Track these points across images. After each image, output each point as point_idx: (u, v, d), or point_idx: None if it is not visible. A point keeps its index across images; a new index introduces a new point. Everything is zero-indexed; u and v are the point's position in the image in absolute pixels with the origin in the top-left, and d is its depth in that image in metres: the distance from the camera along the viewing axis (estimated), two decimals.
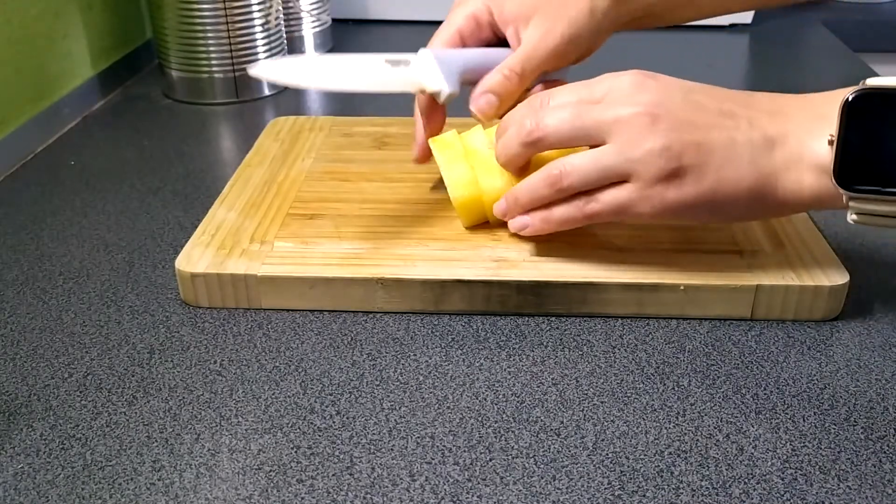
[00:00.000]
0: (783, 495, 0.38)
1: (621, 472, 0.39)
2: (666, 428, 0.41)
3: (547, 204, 0.48)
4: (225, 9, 0.80)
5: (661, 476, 0.39)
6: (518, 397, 0.43)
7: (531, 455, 0.40)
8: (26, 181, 0.68)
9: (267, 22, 0.83)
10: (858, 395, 0.44)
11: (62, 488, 0.38)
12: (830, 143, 0.42)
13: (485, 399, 0.43)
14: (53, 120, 0.77)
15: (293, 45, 0.94)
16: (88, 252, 0.57)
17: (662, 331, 0.49)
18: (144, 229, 0.60)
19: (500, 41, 0.58)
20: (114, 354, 0.47)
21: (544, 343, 0.48)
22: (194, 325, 0.49)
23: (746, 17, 1.08)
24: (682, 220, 0.46)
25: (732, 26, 1.08)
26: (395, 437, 0.41)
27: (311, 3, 0.94)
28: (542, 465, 0.39)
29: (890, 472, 0.39)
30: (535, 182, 0.48)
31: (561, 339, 0.48)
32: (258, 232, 0.54)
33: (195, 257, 0.51)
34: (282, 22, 0.86)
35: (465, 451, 0.40)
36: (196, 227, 0.55)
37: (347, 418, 0.42)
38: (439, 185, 0.60)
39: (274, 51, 0.85)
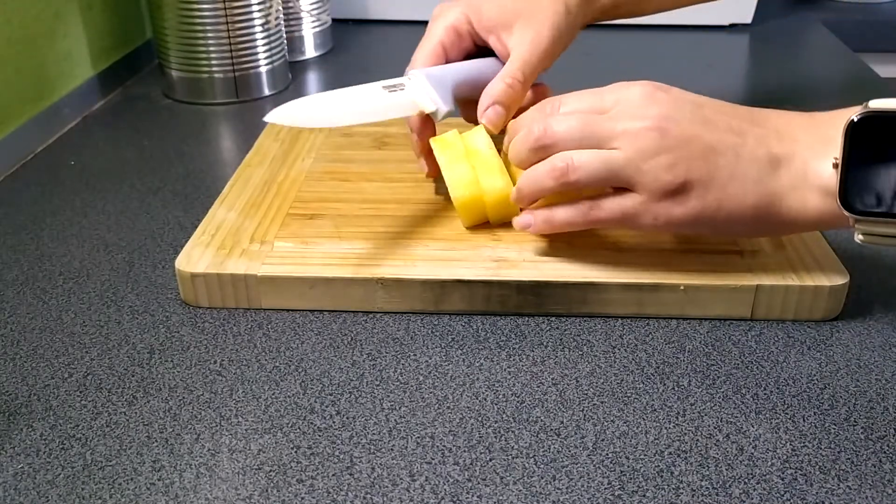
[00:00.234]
0: (783, 495, 0.38)
1: (621, 472, 0.39)
2: (666, 428, 0.41)
3: (551, 204, 0.49)
4: (225, 9, 0.80)
5: (661, 476, 0.39)
6: (518, 397, 0.43)
7: (531, 455, 0.40)
8: (26, 181, 0.68)
9: (267, 22, 0.83)
10: (858, 395, 0.44)
11: (62, 488, 0.38)
12: (835, 165, 0.42)
13: (485, 399, 0.43)
14: (53, 120, 0.77)
15: (293, 45, 0.94)
16: (88, 252, 0.57)
17: (662, 331, 0.49)
18: (144, 229, 0.60)
19: (480, 49, 0.59)
20: (114, 354, 0.47)
21: (544, 343, 0.48)
22: (194, 325, 0.49)
23: (746, 16, 1.08)
24: (684, 232, 0.47)
25: (732, 26, 1.08)
26: (395, 437, 0.41)
27: (311, 3, 0.94)
28: (542, 465, 0.39)
29: (890, 472, 0.39)
30: (540, 173, 0.47)
31: (561, 339, 0.48)
32: (258, 232, 0.54)
33: (195, 257, 0.51)
34: (282, 22, 0.86)
35: (465, 451, 0.40)
36: (196, 227, 0.55)
37: (347, 418, 0.42)
38: (439, 185, 0.60)
39: (274, 51, 0.85)
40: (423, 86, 0.54)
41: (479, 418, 0.42)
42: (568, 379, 0.45)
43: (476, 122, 0.56)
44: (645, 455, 0.40)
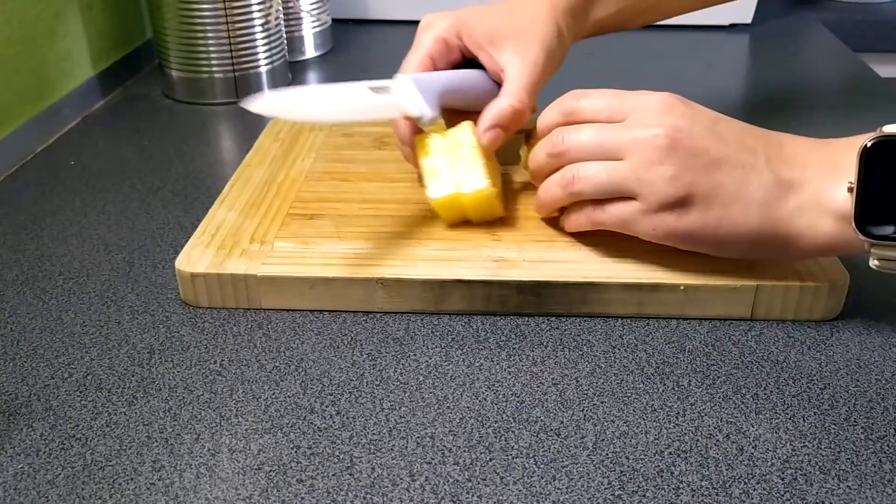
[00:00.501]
0: (783, 495, 0.38)
1: (621, 472, 0.39)
2: (666, 428, 0.41)
3: (564, 209, 0.51)
4: (225, 9, 0.80)
5: (661, 476, 0.39)
6: (518, 397, 0.43)
7: (531, 455, 0.40)
8: (26, 181, 0.68)
9: (267, 22, 0.83)
10: (858, 395, 0.44)
11: (62, 488, 0.38)
12: (850, 189, 0.42)
13: (485, 399, 0.43)
14: (53, 120, 0.77)
15: (293, 45, 0.94)
16: (88, 252, 0.57)
17: (662, 331, 0.49)
18: (144, 229, 0.60)
19: (468, 60, 0.59)
20: (114, 354, 0.47)
21: (544, 343, 0.48)
22: (194, 325, 0.49)
23: (746, 16, 1.08)
24: (683, 247, 0.47)
25: (732, 26, 1.08)
26: (395, 437, 0.41)
27: (311, 3, 0.94)
28: (542, 465, 0.39)
29: (890, 472, 0.39)
30: (552, 184, 0.50)
31: (561, 339, 0.48)
32: (258, 232, 0.54)
33: (195, 257, 0.51)
34: (282, 22, 0.86)
35: (465, 451, 0.40)
36: (196, 227, 0.55)
37: (347, 418, 0.42)
38: None
39: (274, 51, 0.85)
40: (409, 90, 0.54)
41: (479, 418, 0.42)
42: (568, 379, 0.45)
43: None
44: (645, 455, 0.40)
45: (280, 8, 0.85)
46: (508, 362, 0.46)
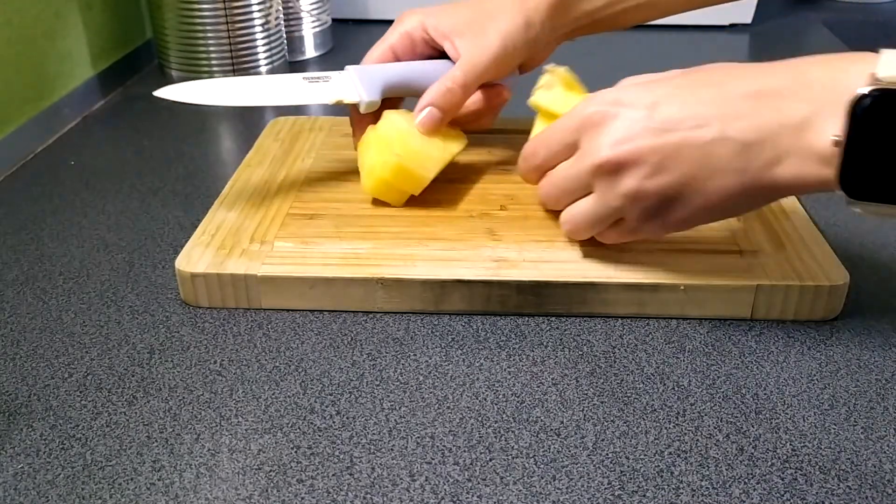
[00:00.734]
0: (783, 495, 0.38)
1: (621, 472, 0.39)
2: (666, 428, 0.41)
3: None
4: (225, 9, 0.80)
5: (661, 476, 0.39)
6: (518, 397, 0.43)
7: (531, 455, 0.40)
8: (26, 181, 0.68)
9: (267, 22, 0.83)
10: (858, 395, 0.44)
11: (62, 488, 0.38)
12: (836, 144, 0.39)
13: (485, 399, 0.43)
14: (53, 120, 0.77)
15: (293, 45, 0.94)
16: (88, 252, 0.57)
17: (662, 331, 0.49)
18: (144, 229, 0.60)
19: (438, 57, 0.60)
20: (114, 354, 0.47)
21: (544, 343, 0.48)
22: (194, 325, 0.49)
23: (746, 16, 1.08)
24: (686, 229, 0.47)
25: (732, 26, 1.08)
26: (395, 437, 0.41)
27: (311, 3, 0.94)
28: (542, 465, 0.39)
29: (890, 472, 0.39)
30: (567, 235, 0.51)
31: (561, 339, 0.48)
32: (258, 232, 0.54)
33: (195, 257, 0.51)
34: (282, 22, 0.86)
35: (465, 451, 0.40)
36: (196, 227, 0.55)
37: (347, 418, 0.42)
38: (440, 185, 0.60)
39: (274, 51, 0.85)
40: (350, 79, 0.56)
41: (479, 418, 0.42)
42: (568, 379, 0.45)
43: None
44: (645, 455, 0.40)
45: (280, 8, 0.85)
46: (508, 362, 0.46)
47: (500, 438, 0.41)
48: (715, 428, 0.41)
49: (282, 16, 0.86)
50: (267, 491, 0.38)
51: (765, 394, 0.44)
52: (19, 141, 0.72)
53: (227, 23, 0.80)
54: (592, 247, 0.52)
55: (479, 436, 0.41)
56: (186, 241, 0.53)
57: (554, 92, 0.56)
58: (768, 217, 0.55)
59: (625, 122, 0.44)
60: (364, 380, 0.45)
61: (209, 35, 0.80)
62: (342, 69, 0.58)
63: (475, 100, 0.59)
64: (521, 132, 0.58)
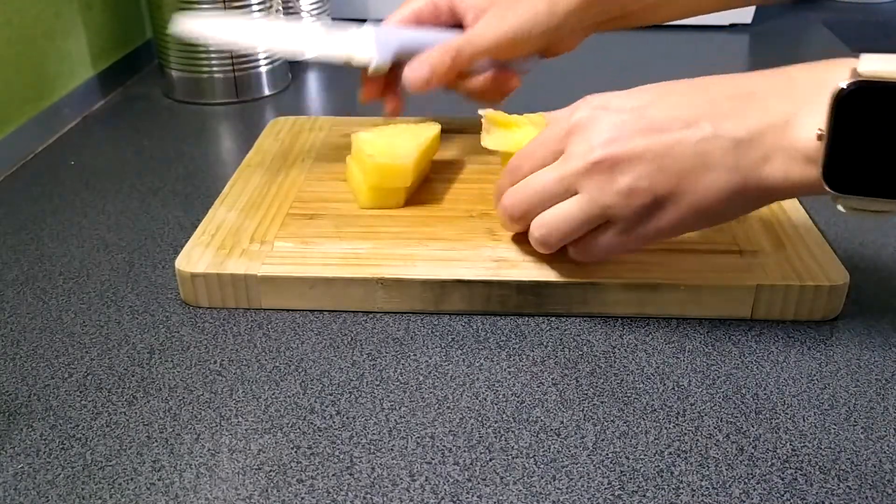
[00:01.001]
0: (783, 495, 0.38)
1: (621, 472, 0.39)
2: (666, 428, 0.41)
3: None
4: (225, 9, 0.79)
5: (661, 476, 0.39)
6: (518, 397, 0.43)
7: (531, 455, 0.40)
8: (26, 181, 0.68)
9: None
10: (858, 395, 0.44)
11: (62, 488, 0.38)
12: (819, 137, 0.39)
13: (485, 399, 0.43)
14: (53, 120, 0.77)
15: None
16: (88, 252, 0.57)
17: (662, 331, 0.49)
18: (144, 229, 0.60)
19: (459, 27, 0.59)
20: (114, 354, 0.47)
21: (544, 343, 0.48)
22: (194, 325, 0.49)
23: (746, 16, 1.08)
24: (678, 234, 0.46)
25: (732, 26, 1.08)
26: (395, 437, 0.41)
27: (311, 3, 0.94)
28: (542, 465, 0.39)
29: (890, 472, 0.39)
30: (536, 243, 0.48)
31: (561, 339, 0.48)
32: (258, 232, 0.54)
33: (195, 257, 0.51)
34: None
35: (465, 451, 0.40)
36: (196, 227, 0.55)
37: (347, 418, 0.42)
38: (440, 185, 0.60)
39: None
40: (367, 38, 0.56)
41: (479, 418, 0.42)
42: (568, 379, 0.45)
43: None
44: (645, 455, 0.40)
45: (280, 8, 0.85)
46: (508, 362, 0.46)
47: (500, 438, 0.41)
48: (715, 428, 0.41)
49: (282, 16, 0.86)
50: (267, 491, 0.38)
51: (765, 394, 0.44)
52: (19, 141, 0.72)
53: None
54: None
55: (479, 436, 0.41)
56: (186, 241, 0.53)
57: (495, 134, 0.56)
58: (768, 217, 0.55)
59: (615, 124, 0.44)
60: (364, 380, 0.45)
61: None
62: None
63: (484, 78, 0.58)
64: None
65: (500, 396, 0.44)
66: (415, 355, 0.47)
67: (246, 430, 0.41)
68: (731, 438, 0.41)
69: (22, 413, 0.43)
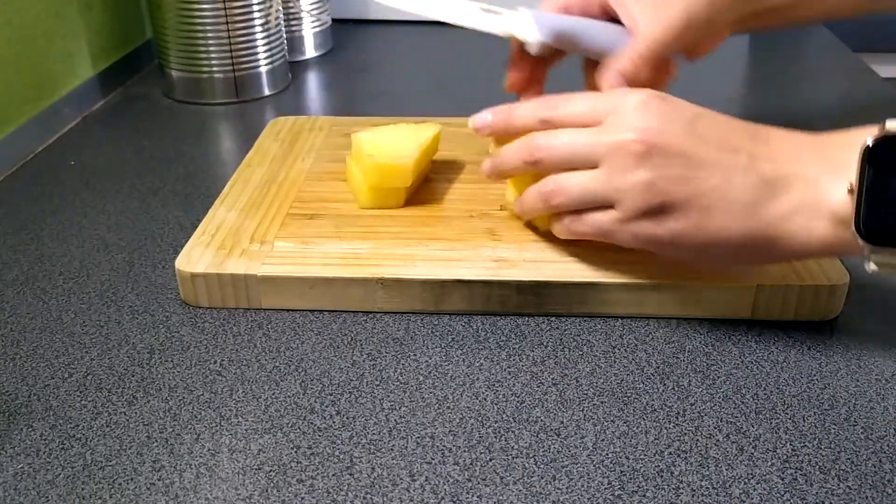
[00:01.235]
0: (783, 495, 0.38)
1: (621, 472, 0.39)
2: (666, 428, 0.41)
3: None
4: (225, 9, 0.80)
5: (661, 476, 0.39)
6: (518, 397, 0.43)
7: (531, 455, 0.40)
8: (26, 181, 0.68)
9: (267, 22, 0.83)
10: (858, 395, 0.44)
11: (62, 488, 0.38)
12: (850, 191, 0.39)
13: (485, 399, 0.43)
14: (53, 120, 0.77)
15: (293, 45, 0.94)
16: (88, 252, 0.57)
17: (662, 331, 0.49)
18: (144, 229, 0.60)
19: (608, 19, 0.58)
20: (114, 354, 0.47)
21: (544, 343, 0.48)
22: (194, 325, 0.49)
23: None
24: (665, 253, 0.46)
25: None
26: (395, 437, 0.41)
27: (311, 3, 0.94)
28: (542, 465, 0.39)
29: (890, 472, 0.39)
30: (533, 194, 0.49)
31: (561, 339, 0.48)
32: (258, 232, 0.54)
33: (195, 257, 0.51)
34: (282, 22, 0.86)
35: (465, 451, 0.40)
36: (196, 227, 0.55)
37: (347, 418, 0.42)
38: (440, 185, 0.60)
39: (274, 51, 0.85)
40: (525, 18, 0.54)
41: (479, 418, 0.42)
42: (568, 379, 0.45)
43: (593, 87, 0.57)
44: (645, 455, 0.40)
45: (280, 8, 0.85)
46: (508, 362, 0.46)
47: (500, 438, 0.41)
48: (715, 428, 0.41)
49: (282, 16, 0.86)
50: (267, 491, 0.38)
51: (765, 394, 0.44)
52: (19, 141, 0.72)
53: (227, 23, 0.80)
54: (593, 247, 0.51)
55: (479, 436, 0.41)
56: (186, 241, 0.53)
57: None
58: None
59: (663, 115, 0.44)
60: (364, 380, 0.45)
61: (209, 35, 0.80)
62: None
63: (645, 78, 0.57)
64: None
65: (500, 396, 0.44)
66: (415, 355, 0.47)
67: (246, 430, 0.41)
68: (731, 438, 0.41)
69: (22, 413, 0.43)
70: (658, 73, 0.56)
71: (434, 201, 0.58)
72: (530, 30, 0.54)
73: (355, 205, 0.57)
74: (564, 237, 0.49)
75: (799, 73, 0.94)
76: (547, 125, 0.48)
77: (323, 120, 0.72)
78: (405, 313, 0.50)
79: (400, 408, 0.43)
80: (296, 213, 0.56)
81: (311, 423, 0.42)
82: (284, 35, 0.88)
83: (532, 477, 0.39)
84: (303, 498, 0.38)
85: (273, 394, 0.44)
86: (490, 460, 0.39)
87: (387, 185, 0.56)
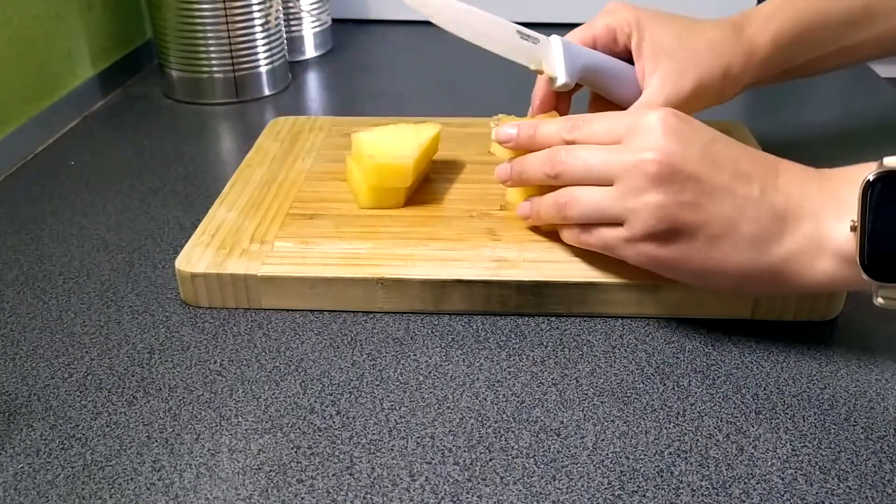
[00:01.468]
0: (783, 495, 0.38)
1: (621, 472, 0.39)
2: (666, 428, 0.41)
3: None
4: (225, 9, 0.79)
5: (661, 476, 0.39)
6: (518, 397, 0.43)
7: (531, 455, 0.40)
8: (26, 181, 0.68)
9: (267, 22, 0.83)
10: (858, 395, 0.44)
11: (62, 488, 0.38)
12: (853, 228, 0.40)
13: (485, 399, 0.43)
14: (53, 120, 0.77)
15: (293, 45, 0.94)
16: (88, 252, 0.57)
17: (662, 331, 0.49)
18: (144, 229, 0.60)
19: (629, 59, 0.58)
20: (114, 354, 0.47)
21: (544, 343, 0.48)
22: (194, 325, 0.49)
23: None
24: (667, 275, 0.46)
25: None
26: (395, 437, 0.41)
27: (311, 3, 0.94)
28: (542, 465, 0.39)
29: (890, 472, 0.39)
30: (548, 202, 0.49)
31: (561, 339, 0.48)
32: (258, 232, 0.54)
33: (195, 257, 0.51)
34: (282, 22, 0.86)
35: (465, 451, 0.40)
36: (196, 227, 0.55)
37: (347, 418, 0.42)
38: (440, 185, 0.60)
39: (274, 51, 0.85)
40: (556, 50, 0.55)
41: (479, 418, 0.42)
42: (568, 379, 0.45)
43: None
44: (645, 455, 0.40)
45: (280, 8, 0.85)
46: (508, 362, 0.46)
47: (500, 438, 0.41)
48: (715, 428, 0.41)
49: (282, 16, 0.86)
50: (267, 491, 0.38)
51: (765, 394, 0.44)
52: (19, 141, 0.72)
53: (227, 23, 0.80)
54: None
55: (479, 436, 0.41)
56: (186, 241, 0.53)
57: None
58: None
59: (682, 137, 0.44)
60: (364, 380, 0.45)
61: (209, 35, 0.80)
62: (548, 36, 0.56)
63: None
64: None
65: (500, 396, 0.44)
66: (415, 355, 0.47)
67: (246, 430, 0.41)
68: (731, 438, 0.41)
69: (22, 413, 0.43)
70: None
71: (434, 201, 0.58)
72: (559, 67, 0.55)
73: (355, 205, 0.57)
74: (572, 244, 0.50)
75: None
76: (570, 143, 0.48)
77: (323, 120, 0.72)
78: (405, 313, 0.50)
79: (400, 408, 0.43)
80: (296, 213, 0.56)
81: (311, 423, 0.42)
82: (284, 35, 0.88)
83: (532, 477, 0.39)
84: (303, 498, 0.38)
85: (273, 394, 0.44)
86: (490, 460, 0.39)
87: (387, 185, 0.56)
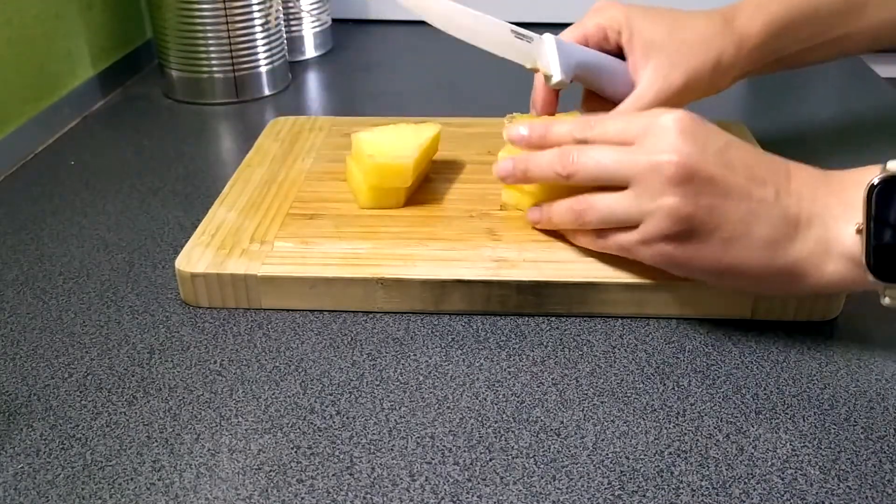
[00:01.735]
0: (783, 495, 0.38)
1: (621, 472, 0.39)
2: (666, 428, 0.41)
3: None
4: (225, 9, 0.80)
5: (661, 476, 0.39)
6: (518, 397, 0.43)
7: (531, 455, 0.40)
8: (26, 181, 0.68)
9: (267, 22, 0.83)
10: (858, 395, 0.44)
11: (62, 488, 0.38)
12: (858, 231, 0.40)
13: (485, 399, 0.43)
14: (53, 120, 0.77)
15: (293, 45, 0.94)
16: (88, 252, 0.57)
17: (662, 331, 0.49)
18: (144, 229, 0.60)
19: (620, 55, 0.59)
20: (114, 354, 0.47)
21: (544, 343, 0.48)
22: (194, 325, 0.49)
23: None
24: (682, 274, 0.46)
25: None
26: (395, 437, 0.41)
27: (311, 3, 0.94)
28: (542, 465, 0.39)
29: (890, 472, 0.39)
30: (565, 208, 0.49)
31: (561, 339, 0.48)
32: (258, 232, 0.54)
33: (195, 257, 0.51)
34: (282, 22, 0.86)
35: (465, 451, 0.40)
36: (196, 227, 0.55)
37: (347, 418, 0.42)
38: (440, 185, 0.60)
39: (274, 51, 0.85)
40: (550, 48, 0.55)
41: (479, 418, 0.42)
42: (568, 379, 0.45)
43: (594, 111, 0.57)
44: (645, 455, 0.40)
45: (280, 8, 0.85)
46: (508, 362, 0.46)
47: (500, 438, 0.41)
48: (715, 428, 0.41)
49: (282, 16, 0.86)
50: (267, 491, 0.38)
51: (765, 394, 0.44)
52: (19, 141, 0.72)
53: (227, 23, 0.80)
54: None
55: (479, 436, 0.41)
56: (186, 241, 0.53)
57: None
58: None
59: (696, 140, 0.44)
60: (364, 380, 0.45)
61: (209, 35, 0.80)
62: (541, 35, 0.57)
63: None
64: None
65: (500, 396, 0.44)
66: (415, 355, 0.47)
67: (246, 430, 0.41)
68: (731, 438, 0.41)
69: (22, 413, 0.43)
70: None
71: (434, 201, 0.58)
72: (554, 65, 0.55)
73: (355, 205, 0.57)
74: (588, 248, 0.50)
75: (798, 73, 0.93)
76: (581, 143, 0.48)
77: (323, 120, 0.72)
78: (405, 313, 0.50)
79: (400, 408, 0.43)
80: (296, 213, 0.56)
81: (311, 423, 0.42)
82: (284, 35, 0.88)
83: (532, 477, 0.39)
84: (303, 498, 0.38)
85: (273, 394, 0.44)
86: (490, 460, 0.39)
87: (387, 185, 0.56)
